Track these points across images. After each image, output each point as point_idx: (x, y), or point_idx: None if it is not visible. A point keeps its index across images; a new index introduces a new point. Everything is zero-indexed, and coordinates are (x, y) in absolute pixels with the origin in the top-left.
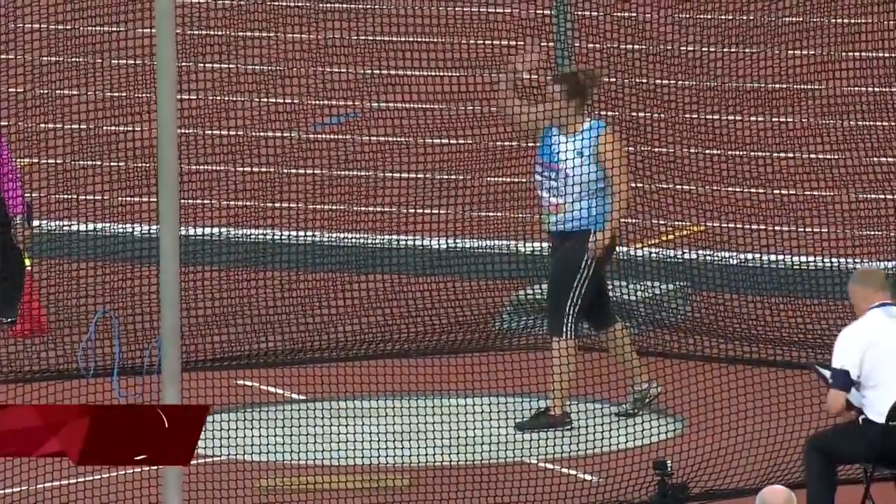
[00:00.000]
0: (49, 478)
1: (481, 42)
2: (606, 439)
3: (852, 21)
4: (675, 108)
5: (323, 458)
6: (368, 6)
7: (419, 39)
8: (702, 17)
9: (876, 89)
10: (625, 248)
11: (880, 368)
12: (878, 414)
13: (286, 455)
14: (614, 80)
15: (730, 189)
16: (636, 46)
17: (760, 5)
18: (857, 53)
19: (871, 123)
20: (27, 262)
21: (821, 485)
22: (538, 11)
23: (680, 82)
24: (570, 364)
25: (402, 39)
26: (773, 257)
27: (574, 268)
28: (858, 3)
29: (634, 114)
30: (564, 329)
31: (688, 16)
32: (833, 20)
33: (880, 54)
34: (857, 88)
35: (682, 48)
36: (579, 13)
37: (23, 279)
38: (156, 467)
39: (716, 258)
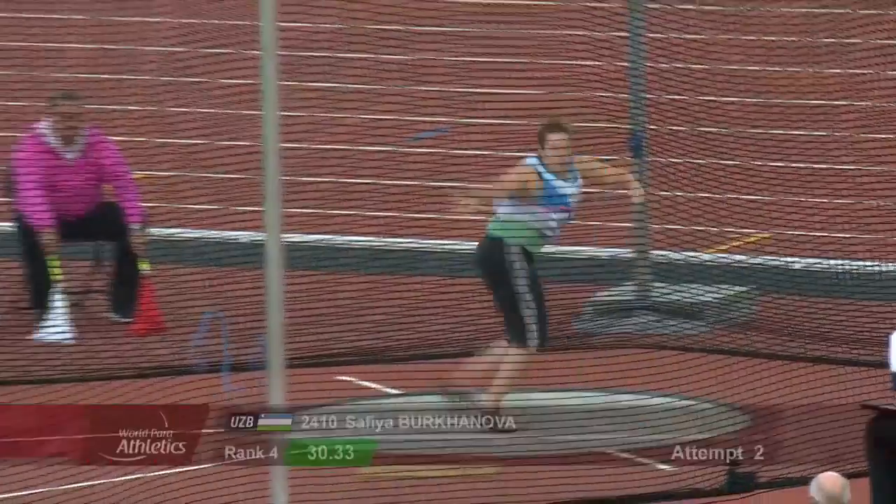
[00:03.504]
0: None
1: (560, 62)
2: (680, 430)
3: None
4: (741, 124)
5: (416, 448)
6: (458, 29)
7: (502, 60)
8: (766, 38)
9: None
10: (698, 253)
11: None
12: None
13: (385, 445)
14: (685, 97)
15: (794, 198)
16: (703, 66)
17: (824, 26)
18: None
19: None
20: (145, 266)
21: (882, 470)
22: (612, 33)
23: (746, 99)
24: (521, 369)
25: (487, 60)
26: (835, 262)
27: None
28: None
29: (702, 128)
30: (526, 339)
31: (754, 37)
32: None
33: None
34: None
35: (747, 67)
36: (651, 35)
37: (138, 282)
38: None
39: (781, 262)
